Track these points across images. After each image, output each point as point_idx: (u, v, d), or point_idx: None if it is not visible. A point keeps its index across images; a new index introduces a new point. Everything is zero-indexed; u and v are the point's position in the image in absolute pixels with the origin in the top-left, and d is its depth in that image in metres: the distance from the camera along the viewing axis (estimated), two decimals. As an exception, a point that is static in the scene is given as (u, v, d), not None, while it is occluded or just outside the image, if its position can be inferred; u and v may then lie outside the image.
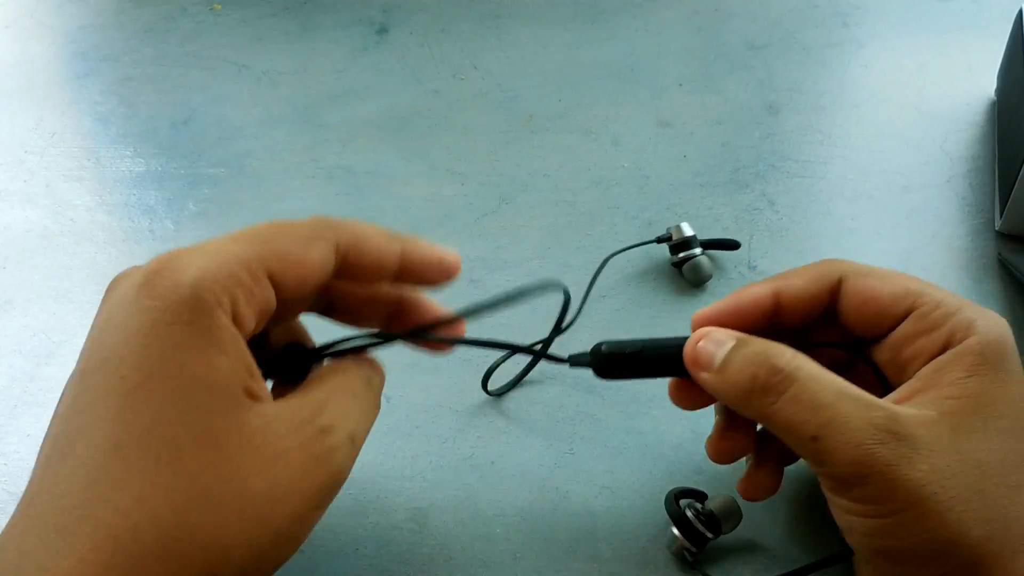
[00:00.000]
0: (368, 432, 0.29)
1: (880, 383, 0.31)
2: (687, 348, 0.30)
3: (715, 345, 0.29)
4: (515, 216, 0.47)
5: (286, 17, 0.61)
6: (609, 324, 0.41)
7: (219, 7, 0.62)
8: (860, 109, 0.51)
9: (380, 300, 0.32)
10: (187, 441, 0.24)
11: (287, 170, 0.50)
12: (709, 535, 0.32)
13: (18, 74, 0.58)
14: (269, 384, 0.30)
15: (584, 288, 0.42)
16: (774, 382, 0.28)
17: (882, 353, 0.31)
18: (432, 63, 0.57)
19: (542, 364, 0.39)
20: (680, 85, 0.54)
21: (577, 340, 0.40)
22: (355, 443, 0.28)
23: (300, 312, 0.31)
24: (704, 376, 0.30)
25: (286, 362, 0.31)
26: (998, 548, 0.26)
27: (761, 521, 0.34)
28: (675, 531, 0.32)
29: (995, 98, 0.50)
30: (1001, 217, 0.43)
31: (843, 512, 0.28)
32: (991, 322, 0.29)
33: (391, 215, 0.47)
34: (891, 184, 0.47)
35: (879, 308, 0.30)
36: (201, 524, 0.23)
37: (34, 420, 0.39)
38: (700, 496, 0.33)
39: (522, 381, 0.39)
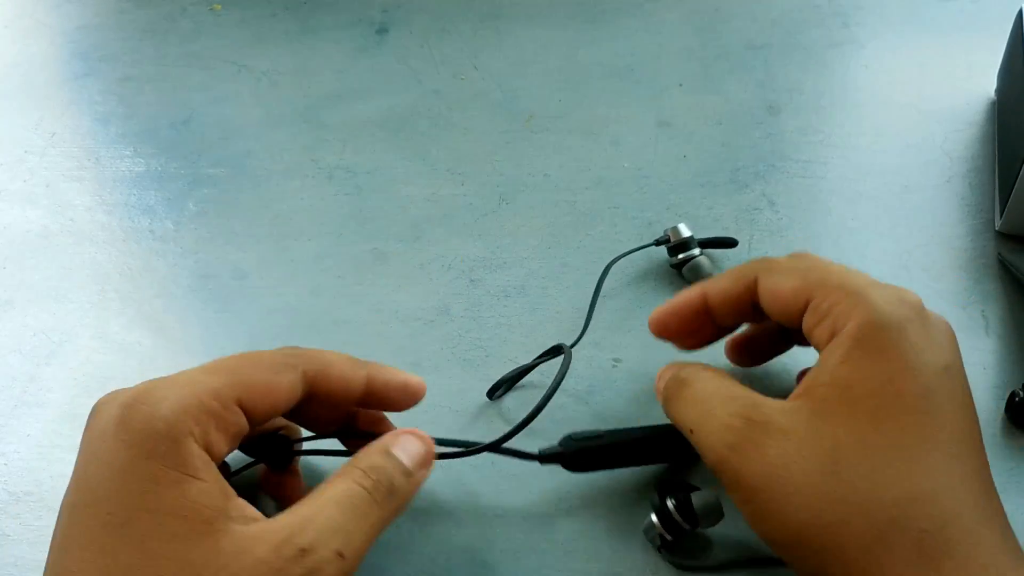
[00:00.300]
0: (368, 540, 0.28)
1: None
2: (657, 382, 0.34)
3: (667, 373, 0.34)
4: (515, 216, 0.47)
5: (286, 17, 0.61)
6: (610, 326, 0.41)
7: (219, 7, 0.62)
8: (860, 109, 0.51)
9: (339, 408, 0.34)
10: (168, 572, 0.25)
11: (287, 170, 0.50)
12: (686, 527, 0.32)
13: (18, 74, 0.58)
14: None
15: (584, 287, 0.42)
16: (674, 390, 0.32)
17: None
18: (432, 63, 0.56)
19: (542, 365, 0.39)
20: (680, 85, 0.54)
21: (580, 344, 0.40)
22: (345, 558, 0.26)
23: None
24: (660, 400, 0.34)
25: (264, 450, 0.33)
26: (859, 532, 0.25)
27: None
28: (653, 517, 0.33)
29: (995, 98, 0.50)
30: (1001, 217, 0.43)
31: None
32: (878, 302, 0.28)
33: (391, 215, 0.47)
34: (891, 184, 0.47)
35: (784, 304, 0.31)
36: None
37: (34, 420, 0.39)
38: (688, 488, 0.34)
39: (521, 382, 0.39)
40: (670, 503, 0.32)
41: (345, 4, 0.61)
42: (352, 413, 0.34)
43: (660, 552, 0.33)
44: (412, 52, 0.57)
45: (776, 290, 0.31)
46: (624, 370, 0.40)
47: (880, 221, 0.45)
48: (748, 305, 0.33)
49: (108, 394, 0.28)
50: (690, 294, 0.34)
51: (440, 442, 0.33)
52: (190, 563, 0.25)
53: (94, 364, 0.41)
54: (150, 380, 0.28)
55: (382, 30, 0.59)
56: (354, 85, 0.55)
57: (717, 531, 0.33)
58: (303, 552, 0.25)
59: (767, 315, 0.32)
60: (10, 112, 0.55)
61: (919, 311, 0.29)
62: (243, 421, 0.28)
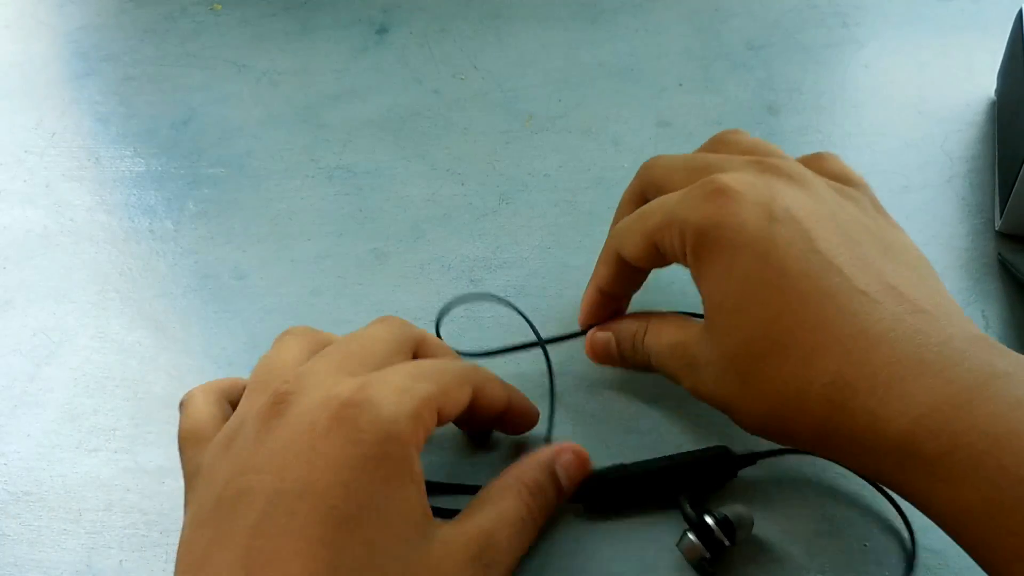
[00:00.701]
0: (523, 552, 0.30)
1: None
2: (587, 350, 0.38)
3: (604, 339, 0.37)
4: (515, 216, 0.47)
5: (286, 17, 0.61)
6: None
7: (219, 7, 0.62)
8: (860, 109, 0.51)
9: None
10: (393, 572, 0.26)
11: (287, 170, 0.50)
12: (727, 543, 0.31)
13: (18, 74, 0.58)
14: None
15: (584, 287, 0.42)
16: (643, 363, 0.36)
17: None
18: (432, 63, 0.57)
19: (542, 364, 0.39)
20: (680, 85, 0.54)
21: (579, 340, 0.40)
22: (510, 571, 0.29)
23: None
24: (608, 362, 0.38)
25: None
26: (780, 421, 0.29)
27: (769, 529, 0.34)
28: (693, 537, 0.31)
29: (995, 98, 0.50)
30: (1001, 217, 0.43)
31: None
32: (688, 218, 0.31)
33: (391, 215, 0.47)
34: (891, 184, 0.47)
35: (647, 260, 0.34)
36: None
37: (34, 420, 0.39)
38: (706, 498, 0.33)
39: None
40: (708, 519, 0.31)
41: (345, 4, 0.61)
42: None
43: None
44: (412, 52, 0.57)
45: (631, 255, 0.34)
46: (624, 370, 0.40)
47: (880, 221, 0.45)
48: (633, 274, 0.36)
49: (288, 384, 0.28)
50: (592, 298, 0.38)
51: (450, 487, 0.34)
52: (412, 563, 0.26)
53: (94, 364, 0.41)
54: (362, 381, 0.28)
55: (382, 30, 0.59)
56: (354, 85, 0.55)
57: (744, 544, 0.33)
58: (488, 567, 0.28)
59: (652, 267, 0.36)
60: (10, 112, 0.55)
61: (719, 196, 0.30)
62: (435, 429, 0.29)
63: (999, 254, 0.43)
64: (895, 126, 0.50)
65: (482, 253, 0.45)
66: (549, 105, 0.53)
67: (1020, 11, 0.47)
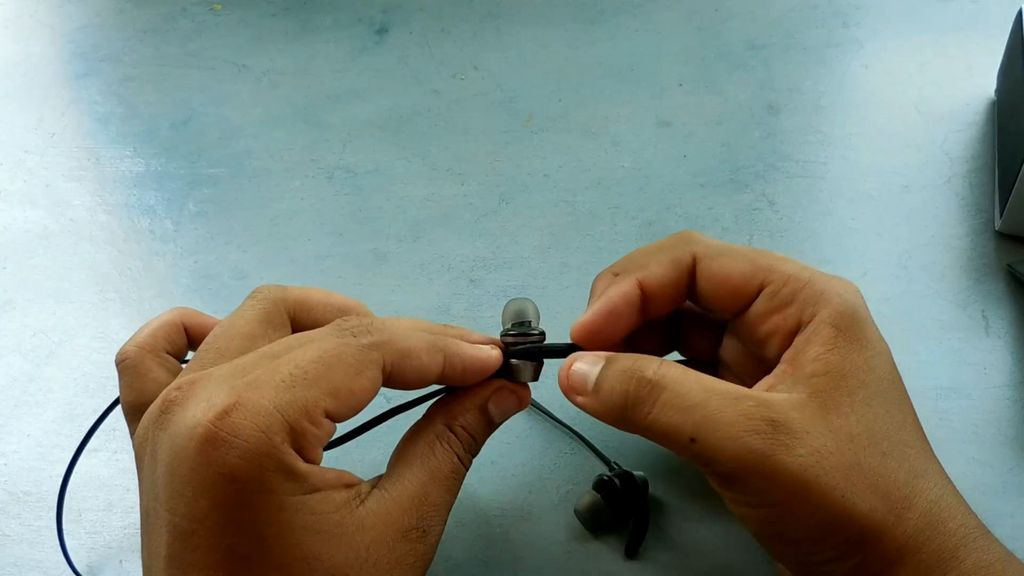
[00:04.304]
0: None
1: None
2: (561, 376, 0.30)
3: (586, 367, 0.30)
4: (515, 216, 0.47)
5: (286, 17, 0.61)
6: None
7: (219, 7, 0.62)
8: (860, 109, 0.51)
9: None
10: None
11: (287, 170, 0.50)
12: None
13: (18, 74, 0.58)
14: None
15: (584, 287, 0.42)
16: (644, 393, 0.28)
17: (741, 330, 0.31)
18: (432, 63, 0.57)
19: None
20: (680, 85, 0.54)
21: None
22: (442, 531, 0.28)
23: None
24: (581, 400, 0.30)
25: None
26: (882, 516, 0.26)
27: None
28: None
29: (995, 98, 0.50)
30: (1001, 217, 0.43)
31: (735, 505, 0.28)
32: (841, 292, 0.29)
33: (391, 215, 0.47)
34: (891, 184, 0.47)
35: (731, 288, 0.30)
36: None
37: (34, 420, 0.39)
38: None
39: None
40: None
41: (345, 4, 0.61)
42: None
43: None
44: (412, 52, 0.57)
45: (724, 274, 0.30)
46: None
47: (880, 221, 0.45)
48: (684, 291, 0.31)
49: (178, 391, 0.26)
50: (625, 289, 0.31)
51: None
52: (336, 566, 0.25)
53: (94, 364, 0.41)
54: (228, 393, 0.25)
55: (382, 30, 0.59)
56: (354, 85, 0.55)
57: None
58: (424, 533, 0.27)
59: (702, 300, 0.31)
60: (10, 112, 0.55)
61: (861, 298, 0.30)
62: (332, 428, 0.27)
63: (1008, 265, 0.42)
64: (895, 126, 0.50)
65: (482, 253, 0.45)
66: (549, 105, 0.53)
67: (1020, 11, 0.47)
